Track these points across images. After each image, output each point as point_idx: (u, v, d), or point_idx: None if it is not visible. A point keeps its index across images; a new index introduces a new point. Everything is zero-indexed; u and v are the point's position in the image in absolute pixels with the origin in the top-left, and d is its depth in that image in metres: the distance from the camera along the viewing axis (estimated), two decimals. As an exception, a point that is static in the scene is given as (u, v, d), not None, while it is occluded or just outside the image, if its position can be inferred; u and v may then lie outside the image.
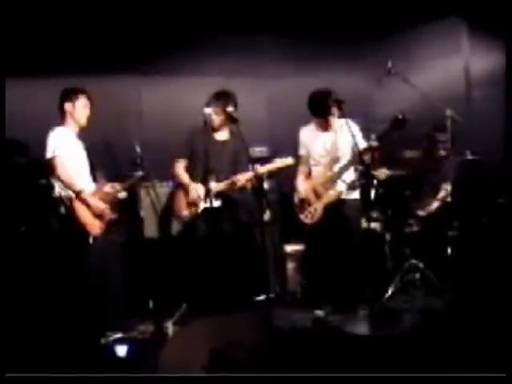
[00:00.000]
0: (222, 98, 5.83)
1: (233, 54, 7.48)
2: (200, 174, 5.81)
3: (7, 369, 3.85)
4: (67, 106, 5.54)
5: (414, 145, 6.63)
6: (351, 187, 5.87)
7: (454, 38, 7.48)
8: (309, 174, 6.11)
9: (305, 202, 5.99)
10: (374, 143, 5.66)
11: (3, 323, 5.01)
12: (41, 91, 6.73)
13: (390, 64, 6.00)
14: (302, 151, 6.15)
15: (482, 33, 7.37)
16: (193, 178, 5.89)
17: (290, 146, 6.48)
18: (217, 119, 5.87)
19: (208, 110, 5.78)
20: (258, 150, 6.84)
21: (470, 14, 7.31)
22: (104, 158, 5.87)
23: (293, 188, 6.17)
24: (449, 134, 6.06)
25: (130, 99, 7.22)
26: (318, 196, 5.93)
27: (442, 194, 6.57)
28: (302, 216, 5.99)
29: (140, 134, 6.57)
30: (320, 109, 5.89)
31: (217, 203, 5.78)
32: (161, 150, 6.29)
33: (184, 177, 5.92)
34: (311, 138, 6.08)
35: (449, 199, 6.41)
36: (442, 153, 6.50)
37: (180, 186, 5.97)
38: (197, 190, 5.78)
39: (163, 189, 6.32)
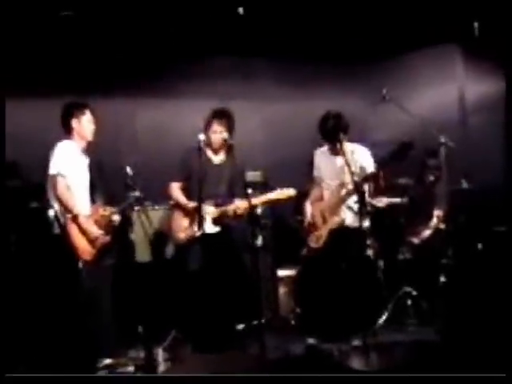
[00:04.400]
0: (224, 117, 5.79)
1: (229, 77, 7.46)
2: (196, 197, 5.61)
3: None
4: (73, 122, 5.48)
5: (408, 171, 6.59)
6: (358, 214, 5.72)
7: (449, 64, 7.53)
8: (321, 197, 6.08)
9: (312, 226, 5.98)
10: (372, 171, 5.66)
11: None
12: (34, 112, 6.67)
13: (384, 91, 6.03)
14: (315, 173, 6.14)
15: (478, 60, 7.41)
16: (189, 200, 5.79)
17: (285, 171, 6.48)
18: (218, 140, 5.78)
19: (202, 136, 5.67)
20: (252, 175, 6.78)
21: (466, 40, 7.33)
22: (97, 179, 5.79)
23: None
24: (441, 160, 6.06)
25: (125, 120, 7.16)
26: (324, 221, 5.91)
27: (434, 221, 6.56)
28: (308, 240, 5.98)
29: (134, 155, 6.55)
30: (328, 133, 5.83)
31: (214, 229, 5.73)
32: (154, 172, 6.25)
33: (182, 198, 5.83)
34: (324, 161, 6.06)
35: (441, 226, 6.42)
36: (431, 178, 6.49)
37: (177, 208, 5.86)
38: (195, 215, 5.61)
39: (156, 212, 6.24)
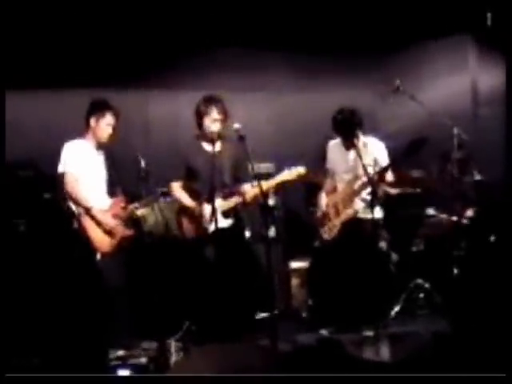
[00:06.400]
0: (220, 103, 5.59)
1: (240, 69, 7.44)
2: (202, 191, 5.59)
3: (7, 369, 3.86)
4: (91, 121, 5.51)
5: (420, 164, 6.53)
6: (370, 206, 5.62)
7: (461, 55, 7.48)
8: (334, 189, 6.09)
9: (325, 217, 5.99)
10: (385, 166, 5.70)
11: (7, 329, 5.04)
12: (48, 103, 6.70)
13: (398, 82, 6.00)
14: (328, 165, 6.15)
15: (490, 50, 7.37)
16: (194, 196, 5.67)
17: (295, 162, 6.46)
18: (217, 128, 5.57)
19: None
20: (264, 166, 6.76)
21: (478, 31, 7.29)
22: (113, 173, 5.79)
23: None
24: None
25: (137, 112, 7.16)
26: (337, 212, 5.92)
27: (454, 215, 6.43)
28: (321, 231, 5.98)
29: (146, 147, 6.56)
30: (341, 129, 5.86)
31: (225, 222, 5.61)
32: (166, 164, 6.24)
33: (186, 199, 5.69)
34: (337, 154, 6.07)
35: (454, 218, 6.37)
36: (456, 173, 6.28)
37: (184, 208, 5.72)
38: (203, 211, 5.54)
39: (168, 205, 6.21)
